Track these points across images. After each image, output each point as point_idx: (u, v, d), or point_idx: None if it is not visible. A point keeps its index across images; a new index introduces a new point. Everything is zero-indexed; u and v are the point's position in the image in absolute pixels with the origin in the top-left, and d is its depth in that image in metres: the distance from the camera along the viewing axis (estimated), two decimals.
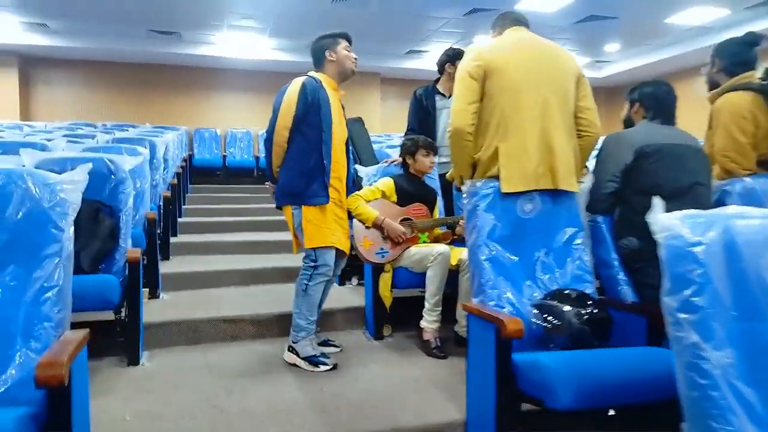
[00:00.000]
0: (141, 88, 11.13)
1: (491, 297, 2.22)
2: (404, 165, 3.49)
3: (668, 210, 2.36)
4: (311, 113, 2.79)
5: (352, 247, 3.18)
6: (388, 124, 12.02)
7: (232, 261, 4.78)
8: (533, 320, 2.14)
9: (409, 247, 3.26)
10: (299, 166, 2.81)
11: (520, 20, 2.55)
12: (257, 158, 10.44)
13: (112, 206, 3.07)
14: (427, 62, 11.47)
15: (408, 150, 3.43)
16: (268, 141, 2.87)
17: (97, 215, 2.98)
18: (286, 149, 2.83)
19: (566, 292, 2.17)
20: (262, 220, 6.33)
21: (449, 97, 4.05)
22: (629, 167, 2.39)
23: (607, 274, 2.45)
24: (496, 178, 2.34)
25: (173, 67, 11.16)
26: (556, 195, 2.38)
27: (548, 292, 2.22)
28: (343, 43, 2.95)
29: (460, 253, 3.17)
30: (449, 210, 3.89)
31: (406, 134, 4.06)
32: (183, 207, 6.85)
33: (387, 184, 3.36)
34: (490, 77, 2.35)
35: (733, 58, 2.71)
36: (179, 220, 6.04)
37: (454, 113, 2.39)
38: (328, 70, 2.95)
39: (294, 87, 2.82)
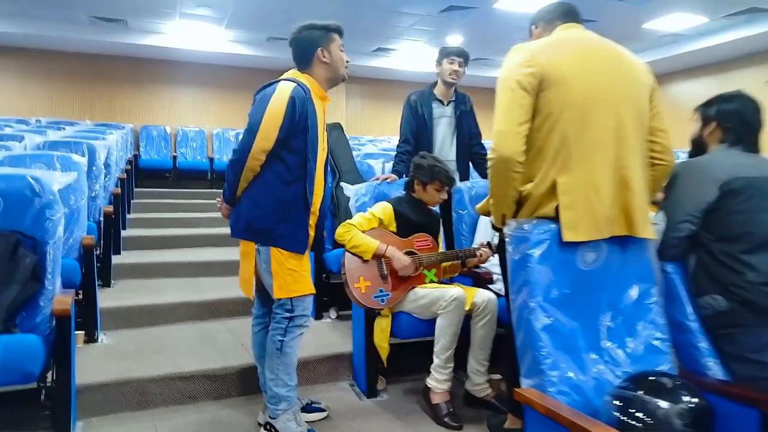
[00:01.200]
0: (82, 81, 10.01)
1: (551, 381, 1.66)
2: (408, 188, 2.89)
3: (761, 261, 1.93)
4: (296, 136, 2.18)
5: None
6: (352, 125, 11.37)
7: (185, 288, 4.12)
8: (614, 413, 1.60)
9: (414, 288, 2.68)
10: (273, 197, 2.20)
11: (573, 14, 2.00)
12: (211, 159, 9.67)
13: (35, 238, 2.36)
14: (395, 61, 10.91)
15: (420, 176, 2.80)
16: (237, 163, 2.19)
17: (16, 251, 2.27)
18: (258, 172, 2.21)
19: (653, 378, 1.64)
20: (219, 233, 5.63)
21: (447, 104, 3.52)
22: (712, 207, 1.89)
23: (683, 340, 1.93)
24: (551, 218, 1.79)
25: (119, 58, 10.11)
26: (625, 241, 1.85)
27: (630, 376, 1.69)
28: (338, 41, 2.33)
29: (474, 295, 2.62)
30: (449, 235, 3.33)
31: (399, 146, 3.51)
32: (127, 217, 6.09)
33: (385, 211, 2.76)
34: (547, 89, 1.78)
35: None
36: (123, 233, 5.28)
37: (500, 136, 1.81)
38: (318, 73, 2.32)
39: (280, 99, 2.15)
